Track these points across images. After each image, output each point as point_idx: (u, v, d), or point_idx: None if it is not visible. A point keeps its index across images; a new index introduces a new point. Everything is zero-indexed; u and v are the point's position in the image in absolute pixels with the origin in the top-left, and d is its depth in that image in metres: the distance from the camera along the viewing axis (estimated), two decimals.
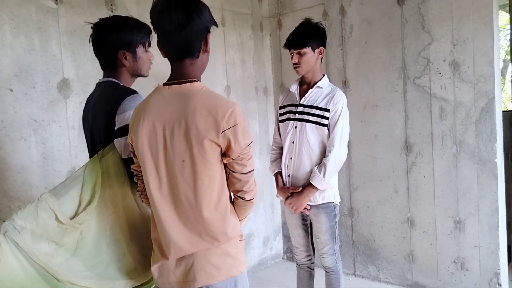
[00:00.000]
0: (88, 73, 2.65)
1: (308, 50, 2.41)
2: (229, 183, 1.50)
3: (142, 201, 1.58)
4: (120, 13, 2.83)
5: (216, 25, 1.51)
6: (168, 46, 1.44)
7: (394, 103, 3.18)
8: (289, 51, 2.48)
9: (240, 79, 3.69)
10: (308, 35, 2.42)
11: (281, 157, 2.61)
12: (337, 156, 2.41)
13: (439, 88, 2.95)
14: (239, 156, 1.42)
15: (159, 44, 1.46)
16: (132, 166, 1.56)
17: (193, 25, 1.39)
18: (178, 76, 1.45)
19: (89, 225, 1.53)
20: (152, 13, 1.41)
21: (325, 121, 2.42)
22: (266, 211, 3.96)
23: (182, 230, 1.45)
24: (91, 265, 1.54)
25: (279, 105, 2.65)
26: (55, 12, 2.56)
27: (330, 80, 3.51)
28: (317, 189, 2.41)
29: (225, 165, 1.46)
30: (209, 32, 1.46)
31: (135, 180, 1.58)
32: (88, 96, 1.83)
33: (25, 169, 2.45)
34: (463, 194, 2.92)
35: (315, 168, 2.42)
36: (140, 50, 1.74)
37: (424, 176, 3.08)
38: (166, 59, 1.49)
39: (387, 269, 3.35)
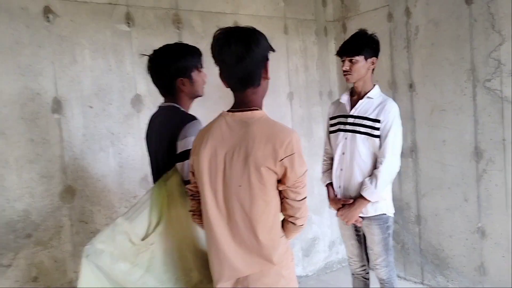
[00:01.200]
0: None
1: (360, 58, 2.40)
2: (282, 208, 1.56)
3: (194, 220, 1.68)
4: (186, 31, 3.05)
5: (273, 50, 1.57)
6: (230, 78, 1.51)
7: (463, 107, 3.03)
8: (341, 58, 2.48)
9: (303, 84, 3.75)
10: (362, 44, 2.42)
11: (331, 168, 2.61)
12: (389, 168, 2.37)
13: (511, 91, 2.76)
14: (294, 184, 1.49)
15: (221, 76, 1.53)
16: (188, 186, 1.67)
17: (252, 56, 1.45)
18: (241, 105, 1.52)
19: (159, 244, 1.68)
20: (213, 47, 1.50)
21: (376, 132, 2.38)
22: (331, 215, 3.98)
23: (237, 250, 1.52)
24: (163, 280, 1.69)
25: (329, 116, 2.66)
26: (128, 34, 2.83)
27: (395, 85, 3.45)
28: (368, 201, 2.39)
29: (280, 191, 1.53)
30: (268, 59, 1.53)
31: (189, 199, 1.69)
32: (152, 115, 2.01)
33: (104, 177, 2.75)
34: None
35: (366, 179, 2.40)
36: (195, 74, 1.88)
37: (496, 185, 2.90)
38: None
39: (457, 280, 3.21)
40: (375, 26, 3.57)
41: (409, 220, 3.50)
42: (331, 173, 2.61)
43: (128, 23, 2.82)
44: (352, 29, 3.78)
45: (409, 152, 3.42)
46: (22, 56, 2.46)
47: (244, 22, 3.32)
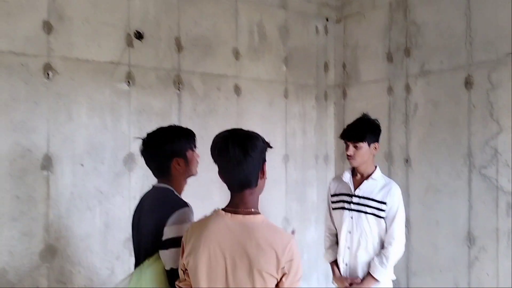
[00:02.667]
0: None
1: (364, 144, 2.44)
2: None
3: None
4: (186, 91, 3.06)
5: (270, 147, 1.60)
6: (228, 180, 1.54)
7: (458, 191, 3.00)
8: (345, 142, 2.51)
9: (300, 148, 3.73)
10: (365, 130, 2.47)
11: (335, 244, 2.64)
12: (398, 248, 2.45)
13: (506, 181, 2.74)
14: (290, 286, 1.49)
15: (220, 175, 1.55)
16: (180, 284, 1.62)
17: (249, 161, 1.48)
18: (240, 205, 1.52)
19: None
20: (213, 150, 1.54)
21: (382, 214, 2.45)
22: (319, 281, 3.89)
23: None
24: None
25: (331, 193, 2.67)
26: (127, 93, 2.83)
27: (391, 157, 3.44)
28: (377, 280, 2.43)
29: None
30: (265, 161, 1.56)
31: None
32: (143, 194, 1.97)
33: (88, 237, 2.68)
34: None
35: (375, 260, 2.44)
36: (189, 154, 1.88)
37: (487, 274, 2.83)
38: None
39: None
40: (375, 97, 3.60)
41: None
42: (335, 249, 2.64)
43: (129, 82, 2.82)
44: (352, 96, 3.81)
45: None
46: (17, 112, 2.44)
47: (245, 86, 3.35)
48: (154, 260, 1.70)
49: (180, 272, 1.60)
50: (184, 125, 2.98)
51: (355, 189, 2.53)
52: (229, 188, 1.55)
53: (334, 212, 2.63)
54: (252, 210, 1.53)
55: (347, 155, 2.48)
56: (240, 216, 1.50)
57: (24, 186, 2.46)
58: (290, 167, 3.67)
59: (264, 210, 3.44)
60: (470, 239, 2.93)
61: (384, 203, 2.43)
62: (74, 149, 2.63)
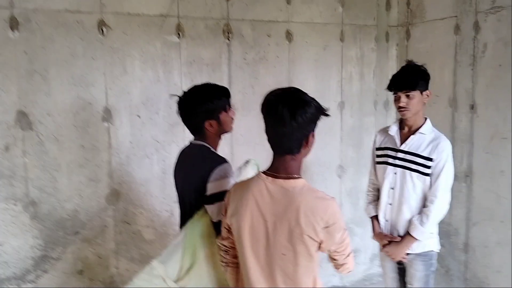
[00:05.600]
0: None
1: (416, 93, 2.29)
2: (330, 259, 1.62)
3: (228, 274, 1.72)
4: (236, 40, 3.05)
5: (326, 115, 1.54)
6: (272, 140, 1.51)
7: None
8: (394, 93, 2.36)
9: (356, 93, 3.61)
10: (417, 77, 2.31)
11: (377, 199, 2.56)
12: (440, 207, 2.31)
13: None
14: (336, 250, 1.53)
15: (266, 133, 1.51)
16: (222, 242, 1.69)
17: (295, 127, 1.42)
18: (281, 170, 1.50)
19: (190, 285, 1.74)
20: (263, 106, 1.50)
21: (428, 170, 2.30)
22: None
23: None
24: None
25: (376, 146, 2.57)
26: (177, 45, 2.88)
27: (456, 103, 3.21)
28: (416, 239, 2.34)
29: None
30: (313, 130, 1.50)
31: (221, 254, 1.72)
32: (181, 150, 2.06)
33: (147, 182, 2.89)
34: None
35: (415, 218, 2.34)
36: (223, 115, 1.88)
37: None
38: None
39: None
40: (440, 37, 3.33)
41: (456, 247, 3.32)
42: (376, 205, 2.57)
43: (179, 34, 2.87)
44: (416, 37, 3.55)
45: (464, 176, 3.20)
46: (76, 67, 2.62)
47: (297, 30, 3.25)
48: (202, 215, 1.80)
49: (224, 230, 1.67)
50: (234, 75, 3.07)
51: (401, 144, 2.40)
52: (272, 149, 1.53)
53: (378, 167, 2.53)
54: (294, 175, 1.50)
55: (399, 107, 2.32)
56: (280, 181, 1.49)
57: (87, 136, 2.69)
58: (346, 113, 3.58)
59: (317, 157, 3.47)
60: None
61: (431, 159, 2.28)
62: (130, 101, 2.78)
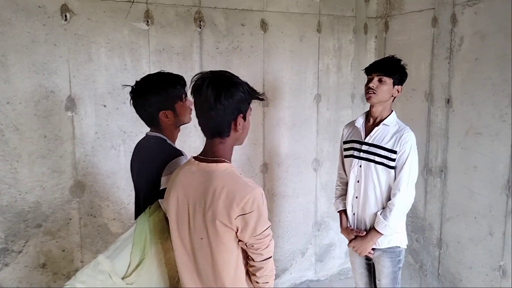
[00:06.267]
0: None
1: (389, 80, 2.29)
2: (248, 265, 1.52)
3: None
4: (208, 29, 2.95)
5: (260, 99, 1.52)
6: (200, 123, 1.49)
7: (500, 134, 2.72)
8: (369, 75, 2.35)
9: (333, 86, 3.54)
10: (394, 68, 2.32)
11: (345, 193, 2.53)
12: (403, 200, 2.28)
13: None
14: (253, 245, 1.44)
15: (196, 115, 1.50)
16: None
17: (219, 108, 1.40)
18: (209, 153, 1.49)
19: (138, 283, 1.66)
20: (191, 87, 1.47)
21: (392, 163, 2.29)
22: None
23: None
24: None
25: (343, 140, 2.53)
26: (146, 33, 2.79)
27: (432, 97, 3.16)
28: (381, 234, 2.32)
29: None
30: (242, 112, 1.46)
31: None
32: (138, 142, 1.98)
33: (114, 174, 2.81)
34: None
35: (379, 213, 2.33)
36: (179, 105, 1.81)
37: None
38: None
39: None
40: (418, 29, 3.27)
41: (430, 242, 3.29)
42: (344, 199, 2.55)
43: (147, 21, 2.77)
44: (394, 29, 3.49)
45: (439, 171, 3.17)
46: (38, 54, 2.51)
47: (272, 20, 3.17)
48: (155, 209, 1.73)
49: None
50: (206, 64, 2.98)
51: (366, 136, 2.37)
52: (202, 132, 1.51)
53: (346, 160, 2.51)
54: (220, 159, 1.47)
55: (368, 89, 2.30)
56: (204, 164, 1.47)
57: (50, 126, 2.59)
58: (323, 106, 3.52)
59: (293, 150, 3.41)
60: (510, 187, 2.69)
61: (394, 151, 2.26)
62: (95, 90, 2.69)
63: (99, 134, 2.73)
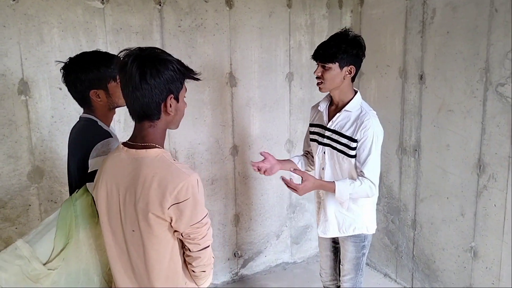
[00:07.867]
0: None
1: (334, 66, 2.07)
2: (184, 254, 1.44)
3: None
4: (168, 6, 2.83)
5: (195, 79, 1.40)
6: (127, 105, 1.37)
7: (472, 111, 2.61)
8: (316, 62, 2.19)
9: (306, 64, 3.41)
10: (338, 50, 2.05)
11: (305, 160, 2.50)
12: (369, 188, 2.09)
13: None
14: (189, 235, 1.35)
15: (122, 96, 1.38)
16: None
17: (145, 88, 1.28)
18: (138, 138, 1.38)
19: (63, 269, 1.58)
20: (118, 65, 1.35)
21: (351, 152, 2.11)
22: None
23: None
24: None
25: (310, 122, 2.41)
26: (101, 12, 2.68)
27: (406, 73, 3.03)
28: (334, 188, 2.08)
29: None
30: (173, 92, 1.34)
31: None
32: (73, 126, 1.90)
33: None
34: None
35: (348, 179, 2.14)
36: (112, 85, 1.72)
37: (495, 205, 2.53)
38: None
39: None
40: (393, 2, 3.12)
41: (405, 223, 3.22)
42: (304, 161, 2.48)
43: None
44: (369, 3, 3.34)
45: (413, 150, 3.07)
46: None
47: None
48: (82, 193, 1.66)
49: None
50: (168, 43, 2.88)
51: (328, 121, 2.22)
52: (130, 115, 1.39)
53: (312, 144, 2.37)
54: (150, 144, 1.37)
55: (316, 78, 2.16)
56: (133, 151, 1.37)
57: (2, 111, 2.51)
58: (295, 85, 3.40)
59: (265, 131, 3.32)
60: (480, 166, 2.59)
61: (355, 140, 2.08)
62: (49, 72, 2.59)
63: (55, 118, 2.65)
